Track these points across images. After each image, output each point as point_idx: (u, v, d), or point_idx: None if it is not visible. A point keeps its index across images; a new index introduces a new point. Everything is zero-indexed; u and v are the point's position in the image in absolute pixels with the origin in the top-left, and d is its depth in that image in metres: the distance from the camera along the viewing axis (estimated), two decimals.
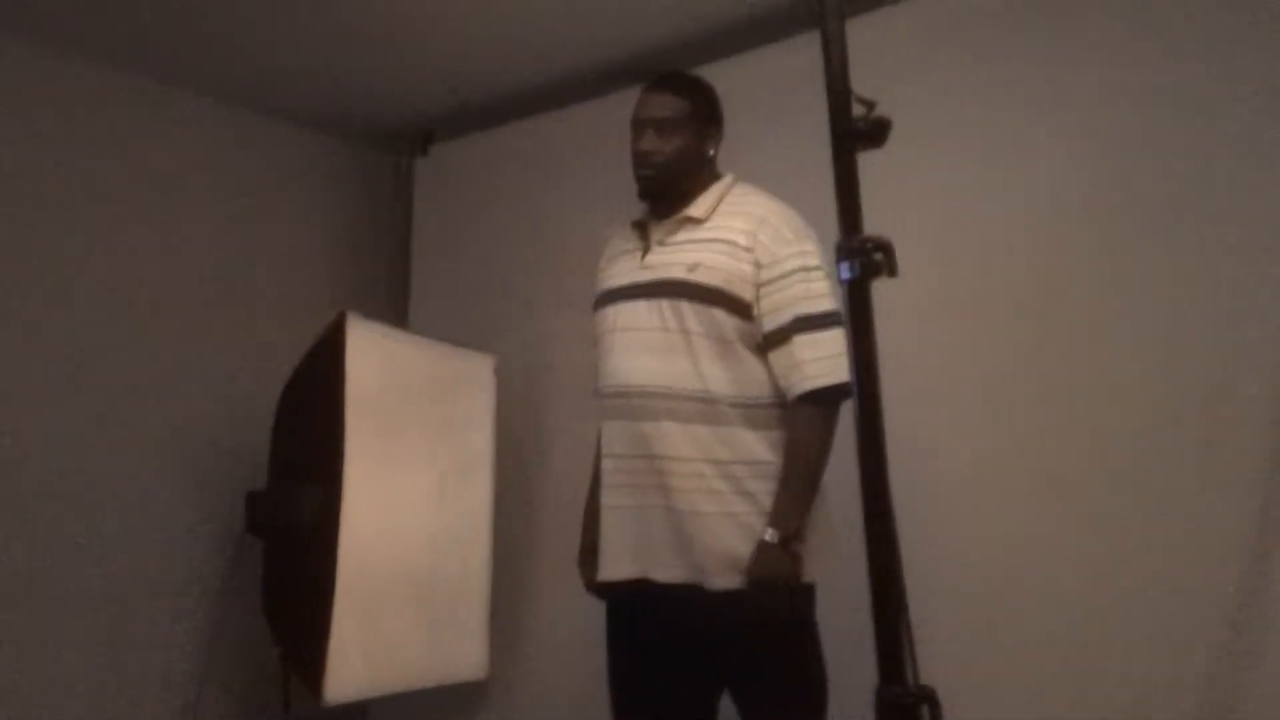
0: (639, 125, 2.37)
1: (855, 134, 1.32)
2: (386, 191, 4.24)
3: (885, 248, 1.27)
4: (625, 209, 2.54)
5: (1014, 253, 2.69)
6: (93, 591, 3.14)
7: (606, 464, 2.34)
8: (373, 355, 3.13)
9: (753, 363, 2.24)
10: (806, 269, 2.23)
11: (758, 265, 2.22)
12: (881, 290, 1.29)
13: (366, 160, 4.22)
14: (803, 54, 1.66)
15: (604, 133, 3.00)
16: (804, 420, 2.18)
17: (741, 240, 2.24)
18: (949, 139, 2.81)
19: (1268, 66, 2.38)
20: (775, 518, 2.13)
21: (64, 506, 3.12)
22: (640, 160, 2.35)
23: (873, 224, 1.29)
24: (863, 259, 1.26)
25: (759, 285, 2.22)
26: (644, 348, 2.26)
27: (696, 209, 2.32)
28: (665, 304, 2.25)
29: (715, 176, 2.39)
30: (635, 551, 2.25)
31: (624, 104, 3.11)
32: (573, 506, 2.61)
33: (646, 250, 2.36)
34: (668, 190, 2.35)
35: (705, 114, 2.39)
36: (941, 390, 2.72)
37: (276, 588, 3.15)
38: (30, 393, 3.09)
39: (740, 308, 2.22)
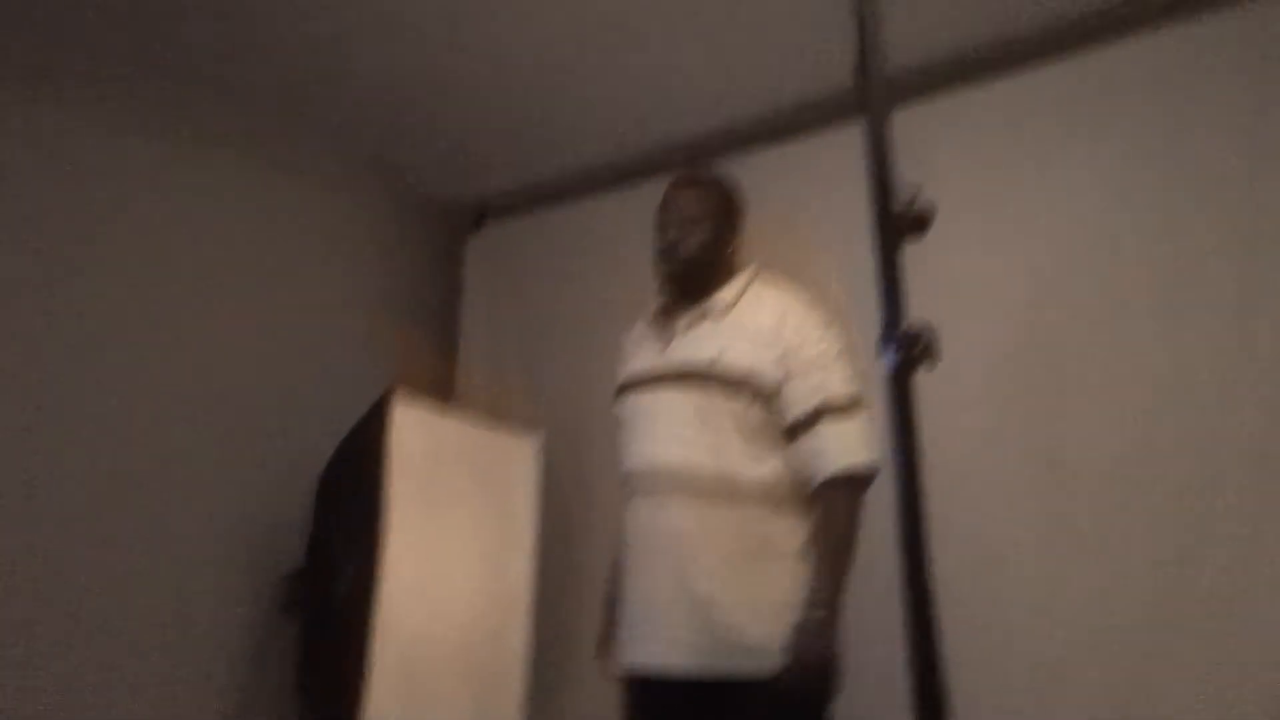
0: (664, 219, 2.43)
1: (899, 223, 1.32)
2: (438, 267, 4.27)
3: (927, 337, 1.25)
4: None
5: (1038, 334, 2.79)
6: (121, 675, 3.01)
7: (629, 547, 2.34)
8: (418, 433, 3.14)
9: (774, 448, 2.26)
10: (829, 357, 2.28)
11: (782, 355, 2.26)
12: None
13: (420, 235, 4.24)
14: (845, 145, 1.68)
15: (645, 214, 3.03)
16: (832, 504, 2.20)
17: (766, 330, 2.29)
18: (983, 225, 2.91)
19: None
20: (814, 597, 2.12)
21: (93, 587, 2.99)
22: (665, 252, 2.40)
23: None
24: (906, 350, 1.25)
25: (783, 374, 2.25)
26: (667, 432, 2.29)
27: (720, 300, 2.37)
28: (690, 390, 2.28)
29: (737, 268, 2.45)
30: (656, 638, 2.22)
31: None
32: None
33: (669, 340, 2.39)
34: (690, 282, 2.40)
35: (728, 209, 2.46)
36: (980, 473, 2.78)
37: (312, 665, 3.12)
38: (63, 470, 2.98)
39: (763, 395, 2.25)
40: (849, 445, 2.20)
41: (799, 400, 2.24)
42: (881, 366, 1.26)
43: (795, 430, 2.24)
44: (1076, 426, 2.71)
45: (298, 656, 3.16)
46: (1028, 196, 2.90)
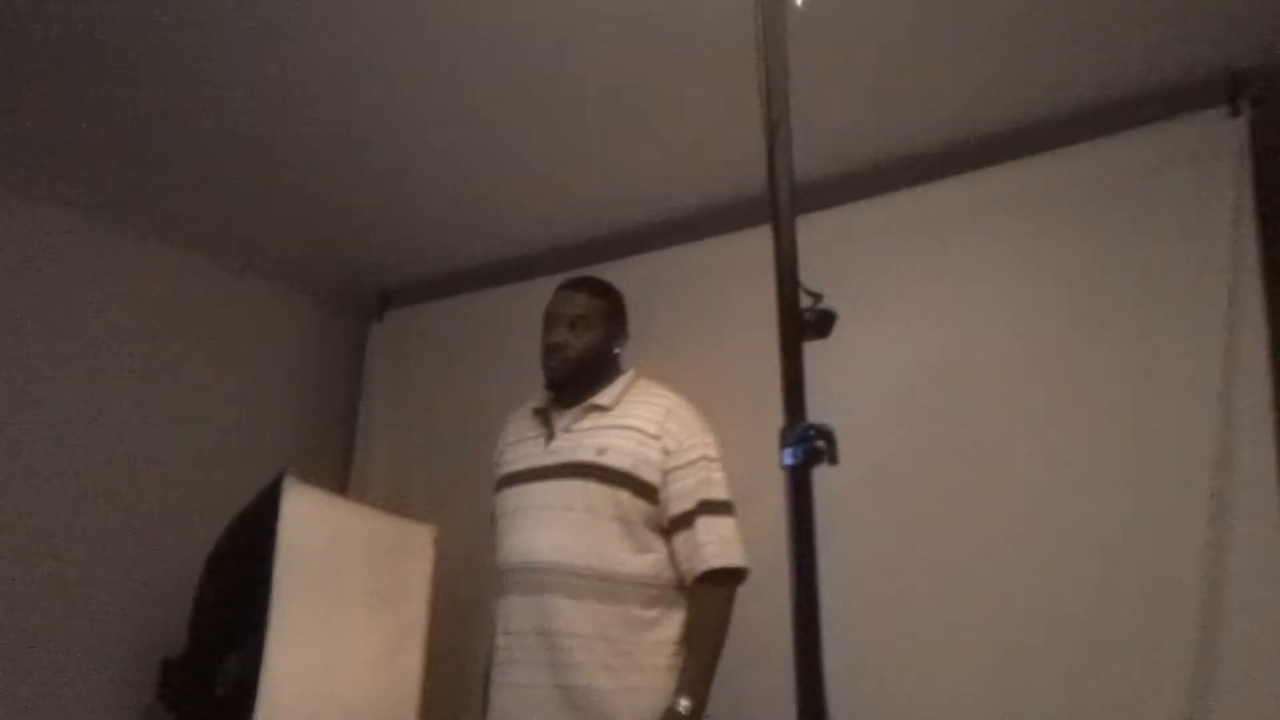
0: (553, 320, 2.53)
1: (803, 325, 1.38)
2: (340, 353, 4.26)
3: (828, 435, 1.31)
4: None
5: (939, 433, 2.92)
6: None
7: (501, 640, 2.35)
8: (310, 520, 3.08)
9: (654, 543, 2.34)
10: (709, 459, 2.39)
11: (665, 452, 2.36)
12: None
13: (323, 320, 4.25)
14: (752, 246, 1.74)
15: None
16: (707, 598, 2.29)
17: (650, 429, 2.38)
18: (880, 329, 3.02)
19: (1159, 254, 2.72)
20: (685, 685, 2.21)
21: None
22: (552, 351, 2.48)
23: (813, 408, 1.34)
24: (806, 446, 1.30)
25: (666, 471, 2.35)
26: (549, 525, 2.34)
27: (603, 398, 2.46)
28: (573, 484, 2.34)
29: (619, 371, 2.55)
30: None
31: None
32: None
33: (550, 436, 2.46)
34: (575, 381, 2.49)
35: (614, 315, 2.58)
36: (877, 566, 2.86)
37: None
38: None
39: (646, 491, 2.33)
40: (725, 543, 2.30)
41: (679, 497, 2.33)
42: (783, 460, 1.31)
43: (675, 525, 2.33)
44: (968, 528, 2.82)
45: None
46: (925, 303, 3.04)
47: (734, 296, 3.23)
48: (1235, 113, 2.65)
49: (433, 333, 4.01)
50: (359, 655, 3.14)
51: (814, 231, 1.64)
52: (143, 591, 3.38)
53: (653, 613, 2.29)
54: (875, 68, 2.71)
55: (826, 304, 1.52)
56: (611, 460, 2.33)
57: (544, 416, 2.52)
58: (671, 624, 2.31)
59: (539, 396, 2.58)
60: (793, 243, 1.41)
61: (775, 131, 1.45)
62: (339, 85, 2.83)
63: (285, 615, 2.92)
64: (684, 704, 2.18)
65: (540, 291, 3.71)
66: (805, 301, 1.40)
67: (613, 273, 3.37)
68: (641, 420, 2.40)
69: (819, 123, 1.38)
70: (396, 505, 3.58)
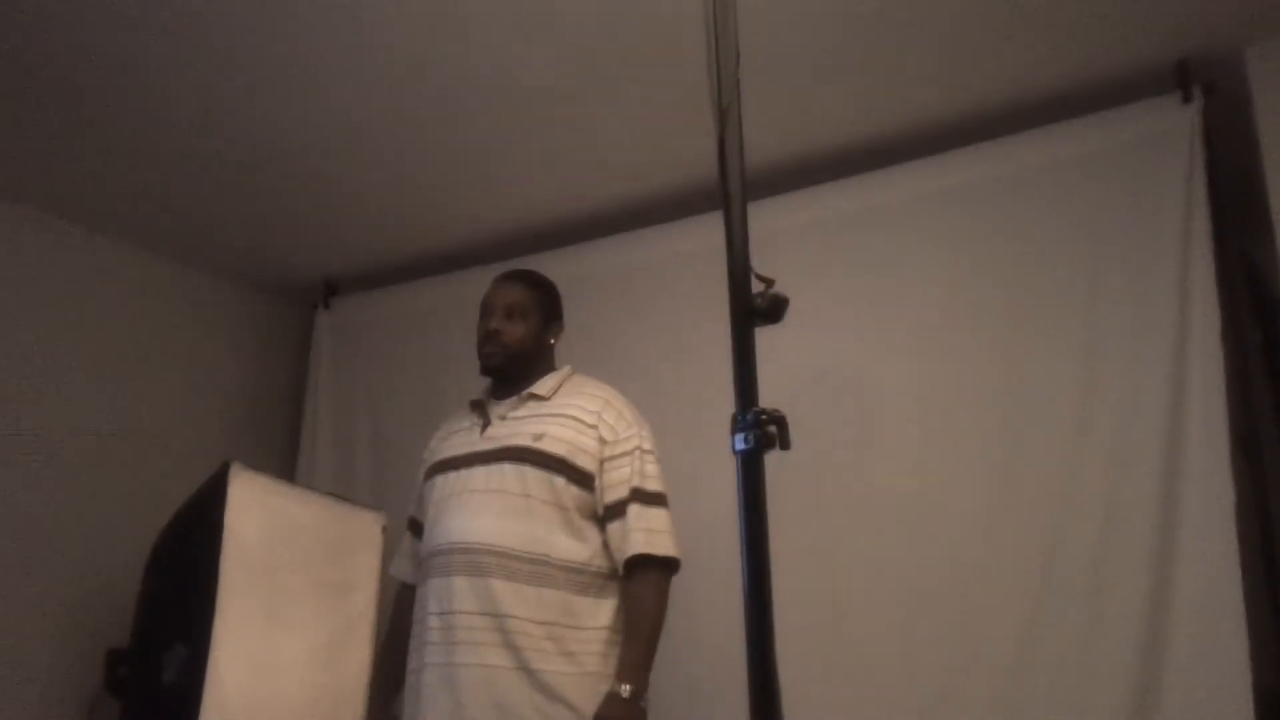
0: (489, 308, 2.54)
1: (754, 310, 1.36)
2: (285, 342, 4.22)
3: (779, 421, 1.29)
4: None
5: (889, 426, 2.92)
6: None
7: (434, 621, 2.32)
8: (256, 509, 3.02)
9: (587, 531, 2.36)
10: (644, 450, 2.41)
11: (602, 441, 2.39)
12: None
13: (267, 310, 4.20)
14: (705, 232, 1.73)
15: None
16: (637, 585, 2.32)
17: (587, 417, 2.41)
18: (837, 320, 3.03)
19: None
20: (625, 671, 2.23)
21: None
22: (489, 338, 2.50)
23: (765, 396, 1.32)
24: (757, 431, 1.28)
25: (602, 460, 2.37)
26: (484, 509, 2.34)
27: (540, 387, 2.48)
28: (508, 468, 2.35)
29: (554, 364, 2.57)
30: (458, 711, 2.23)
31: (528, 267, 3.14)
32: None
33: (486, 424, 2.47)
34: (511, 370, 2.50)
35: (550, 306, 2.60)
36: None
37: None
38: None
39: (581, 478, 2.36)
40: (655, 532, 2.32)
41: (614, 486, 2.36)
42: (734, 445, 1.29)
43: (608, 514, 2.35)
44: (903, 531, 2.83)
45: None
46: (863, 295, 3.05)
47: (680, 284, 3.22)
48: (1187, 99, 2.67)
49: (379, 321, 3.96)
50: (306, 646, 3.09)
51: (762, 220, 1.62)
52: (88, 581, 3.35)
53: (585, 599, 2.32)
54: (812, 55, 2.70)
55: (778, 289, 1.50)
56: (548, 446, 2.35)
57: (480, 408, 2.54)
58: (603, 611, 2.33)
59: (476, 392, 2.59)
60: (744, 227, 1.39)
61: (725, 116, 1.42)
62: (278, 77, 2.80)
63: (231, 605, 2.87)
64: (625, 689, 2.19)
65: (487, 279, 3.71)
66: (757, 287, 1.37)
67: (558, 261, 3.36)
68: (578, 410, 2.42)
69: (746, 113, 1.36)
70: (344, 494, 3.52)
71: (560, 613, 2.28)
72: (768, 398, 1.32)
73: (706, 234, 1.56)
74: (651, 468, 2.40)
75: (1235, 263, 2.70)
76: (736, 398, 1.31)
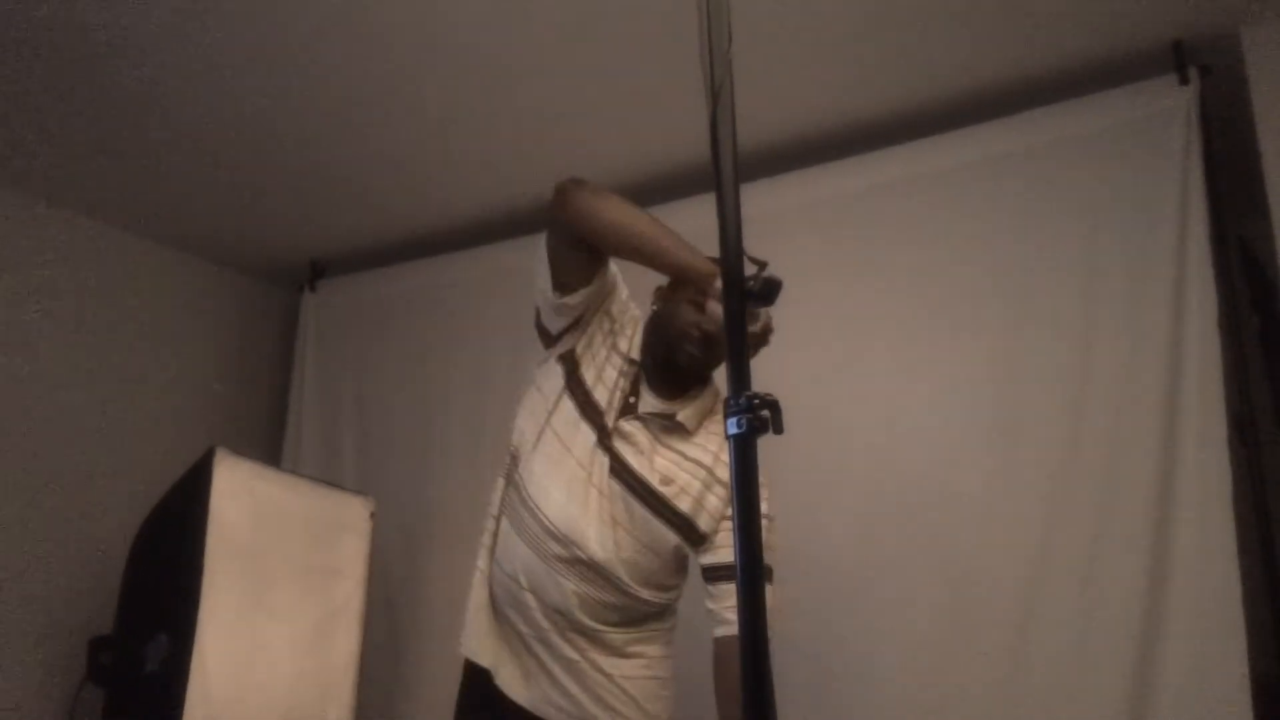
0: (715, 309, 2.11)
1: (747, 292, 1.33)
2: (270, 324, 4.18)
3: (772, 405, 1.27)
4: (509, 355, 2.49)
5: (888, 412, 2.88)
6: None
7: (526, 598, 2.17)
8: (241, 495, 2.99)
9: (680, 573, 2.23)
10: (769, 519, 2.15)
11: (729, 501, 2.14)
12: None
13: (253, 292, 4.17)
14: (698, 214, 1.69)
15: (490, 280, 3.02)
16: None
17: (720, 472, 2.16)
18: (832, 303, 3.00)
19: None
20: None
21: None
22: (703, 341, 2.12)
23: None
24: (750, 415, 1.26)
25: (724, 517, 2.15)
26: (602, 522, 2.14)
27: (688, 418, 2.19)
28: (631, 498, 2.14)
29: (711, 382, 2.27)
30: (540, 686, 2.18)
31: (510, 252, 3.15)
32: (445, 658, 2.51)
33: (626, 409, 2.20)
34: (694, 378, 2.22)
35: None
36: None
37: None
38: None
39: (693, 536, 2.16)
40: (771, 612, 2.15)
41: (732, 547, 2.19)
42: (727, 430, 1.27)
43: (723, 573, 2.12)
44: (894, 516, 2.81)
45: None
46: (861, 274, 3.03)
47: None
48: (1184, 81, 2.65)
49: (365, 303, 3.93)
50: (292, 632, 3.07)
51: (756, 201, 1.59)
52: (70, 569, 3.32)
53: (654, 640, 2.22)
54: (805, 36, 2.66)
55: (771, 271, 1.49)
56: (672, 496, 2.13)
57: (632, 379, 2.22)
58: (661, 647, 2.24)
59: (635, 343, 2.26)
60: (737, 209, 1.36)
61: (718, 96, 1.39)
62: (263, 57, 2.76)
63: (216, 592, 2.85)
64: None
65: (474, 262, 3.68)
66: (750, 270, 1.35)
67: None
68: (714, 460, 2.17)
69: (738, 93, 1.34)
70: (331, 479, 3.50)
71: (638, 628, 2.19)
72: (760, 382, 1.29)
73: (699, 216, 1.53)
74: (774, 538, 2.14)
75: (1232, 246, 2.68)
76: (729, 382, 1.29)
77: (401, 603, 3.46)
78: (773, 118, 3.01)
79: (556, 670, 2.15)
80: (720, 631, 2.10)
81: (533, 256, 2.19)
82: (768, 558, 2.09)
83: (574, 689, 2.14)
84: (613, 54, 2.74)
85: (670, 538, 2.14)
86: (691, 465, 2.16)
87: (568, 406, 2.20)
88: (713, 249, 1.37)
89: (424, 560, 3.46)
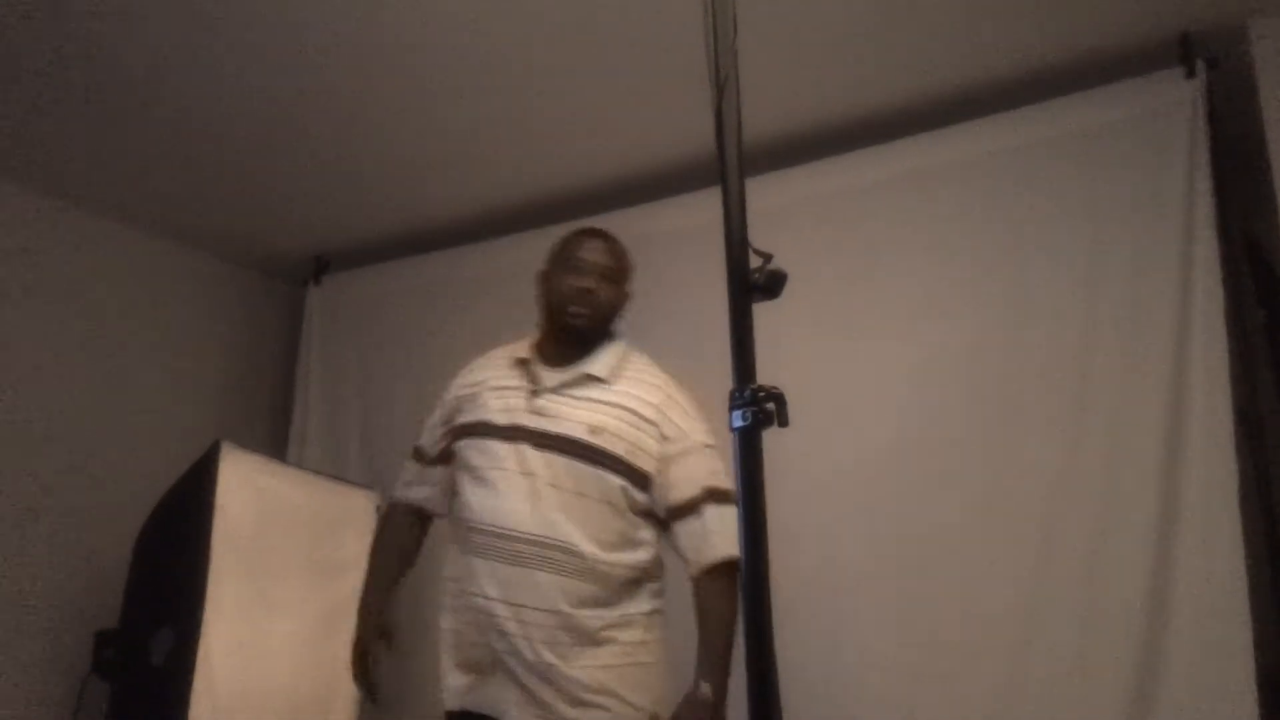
0: (583, 265, 2.34)
1: (752, 285, 1.33)
2: (275, 319, 4.19)
3: (777, 398, 1.26)
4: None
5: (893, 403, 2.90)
6: None
7: (499, 609, 2.20)
8: (247, 489, 3.00)
9: (638, 528, 2.25)
10: (710, 446, 2.27)
11: (663, 439, 2.25)
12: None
13: (258, 286, 4.18)
14: (702, 208, 1.70)
15: (494, 274, 3.02)
16: (719, 589, 2.18)
17: (647, 412, 2.26)
18: (837, 297, 3.00)
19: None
20: (706, 670, 2.12)
21: None
22: (582, 296, 2.30)
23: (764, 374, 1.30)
24: (755, 408, 1.26)
25: (663, 458, 2.23)
26: (536, 497, 2.21)
27: (599, 368, 2.30)
28: (561, 461, 2.21)
29: (613, 336, 2.39)
30: (507, 690, 2.18)
31: (514, 247, 3.14)
32: None
33: (535, 393, 2.30)
34: (591, 336, 2.33)
35: (630, 278, 2.43)
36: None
37: None
38: None
39: (637, 478, 2.23)
40: (733, 531, 2.16)
41: (682, 483, 2.23)
42: (732, 423, 1.27)
43: (677, 513, 2.23)
44: (900, 509, 2.81)
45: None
46: (867, 268, 3.02)
47: (677, 260, 3.18)
48: (1191, 74, 2.64)
49: (370, 298, 3.94)
50: (297, 626, 3.08)
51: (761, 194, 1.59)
52: (76, 563, 3.33)
53: (633, 596, 2.23)
54: (811, 29, 2.66)
55: (776, 264, 1.48)
56: (606, 443, 2.21)
57: (527, 369, 2.34)
58: (644, 602, 2.25)
59: (518, 348, 2.41)
60: (742, 202, 1.36)
61: (723, 88, 1.39)
62: (269, 55, 2.76)
63: (221, 585, 2.87)
64: (705, 688, 2.11)
65: (478, 256, 3.68)
66: (755, 262, 1.34)
67: (551, 238, 3.30)
68: (637, 402, 2.27)
69: (744, 87, 1.34)
70: (336, 473, 3.50)
71: (608, 608, 2.19)
72: (765, 374, 1.29)
73: (704, 210, 1.53)
74: (720, 464, 2.24)
75: (1238, 239, 2.67)
76: (734, 374, 1.29)
77: (405, 595, 3.46)
78: (776, 113, 3.01)
79: (532, 682, 2.15)
80: (691, 571, 2.21)
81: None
82: (724, 481, 2.21)
83: (547, 695, 2.14)
84: (616, 49, 2.74)
85: (612, 481, 2.20)
86: (615, 410, 2.25)
87: (472, 442, 2.32)
88: (718, 242, 1.36)
89: (428, 552, 3.46)
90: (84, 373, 3.49)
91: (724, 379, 1.30)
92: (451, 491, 2.39)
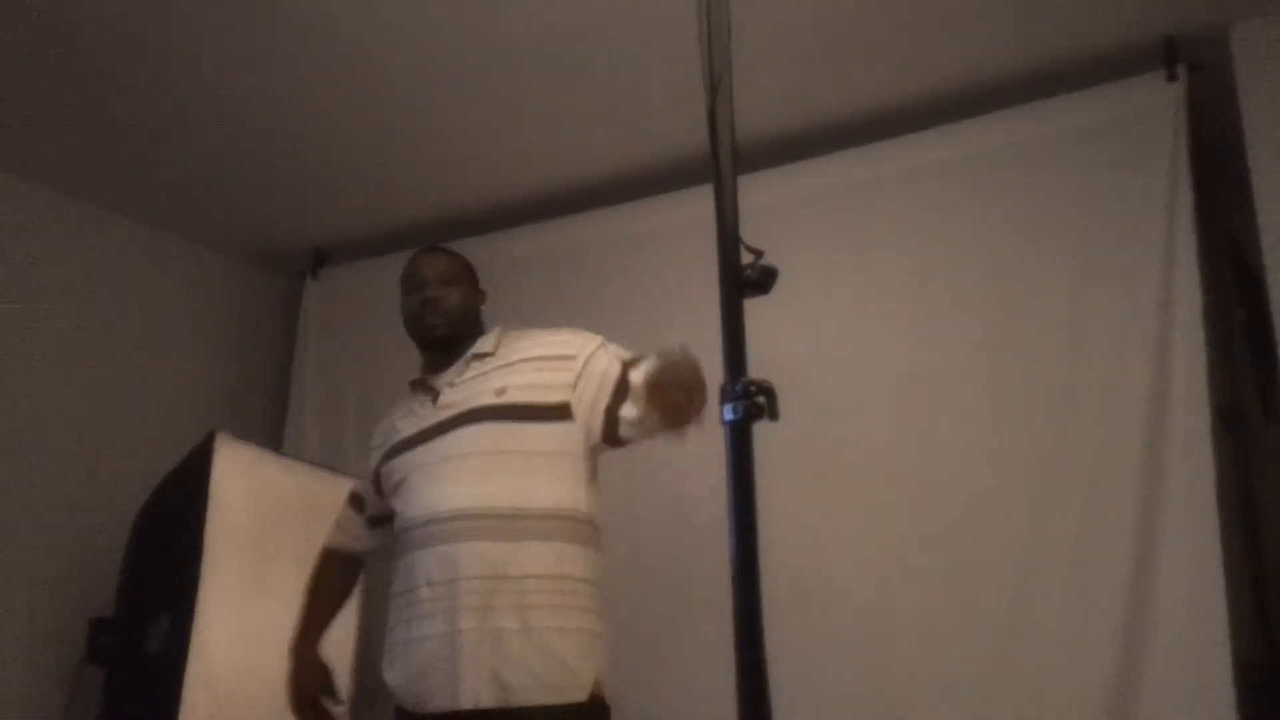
0: (420, 280, 2.47)
1: (743, 281, 1.36)
2: (272, 311, 4.20)
3: (768, 391, 1.29)
4: None
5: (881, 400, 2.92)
6: None
7: (423, 592, 2.23)
8: (242, 479, 3.02)
9: (574, 476, 2.27)
10: (606, 342, 2.33)
11: (566, 359, 2.30)
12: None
13: (256, 279, 4.18)
14: (695, 205, 1.73)
15: (492, 268, 3.01)
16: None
17: (541, 352, 2.33)
18: (827, 293, 3.03)
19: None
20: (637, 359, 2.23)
21: None
22: (428, 307, 2.43)
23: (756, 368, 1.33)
24: (746, 402, 1.28)
25: (578, 373, 2.28)
26: (459, 473, 2.25)
27: (482, 345, 2.40)
28: (475, 429, 2.27)
29: (484, 328, 2.49)
30: (476, 677, 2.15)
31: (513, 241, 3.15)
32: None
33: (436, 395, 2.38)
34: (453, 338, 2.43)
35: (473, 275, 2.54)
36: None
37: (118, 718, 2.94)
38: None
39: (556, 413, 2.26)
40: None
41: (598, 376, 2.26)
42: (723, 416, 1.29)
43: (617, 398, 2.23)
44: (889, 507, 2.85)
45: (102, 708, 2.97)
46: (850, 270, 3.07)
47: (670, 256, 3.21)
48: (1173, 77, 2.68)
49: (368, 291, 3.94)
50: (292, 615, 3.08)
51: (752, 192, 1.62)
52: (72, 550, 3.32)
53: (574, 547, 2.23)
54: (802, 29, 2.69)
55: (768, 260, 1.51)
56: (513, 397, 2.26)
57: (423, 386, 2.46)
58: (591, 563, 2.26)
59: (418, 374, 2.51)
60: (734, 199, 1.39)
61: (717, 88, 1.42)
62: (266, 46, 2.77)
63: (216, 574, 2.87)
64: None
65: (475, 250, 3.68)
66: (746, 258, 1.38)
67: (544, 233, 3.36)
68: (529, 352, 2.35)
69: (739, 86, 1.37)
70: (331, 464, 3.52)
71: (555, 563, 2.19)
72: (756, 369, 1.32)
73: (696, 207, 1.56)
74: (622, 349, 2.30)
75: (1219, 239, 2.72)
76: (725, 368, 1.32)
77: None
78: (767, 111, 3.04)
79: (484, 651, 2.13)
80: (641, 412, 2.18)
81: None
82: (631, 354, 2.26)
83: (495, 662, 2.13)
84: (612, 45, 2.76)
85: (531, 429, 2.24)
86: (511, 368, 2.32)
87: (396, 463, 2.39)
88: (710, 238, 1.39)
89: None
90: (80, 362, 3.48)
91: (716, 374, 1.33)
92: (390, 535, 2.46)
